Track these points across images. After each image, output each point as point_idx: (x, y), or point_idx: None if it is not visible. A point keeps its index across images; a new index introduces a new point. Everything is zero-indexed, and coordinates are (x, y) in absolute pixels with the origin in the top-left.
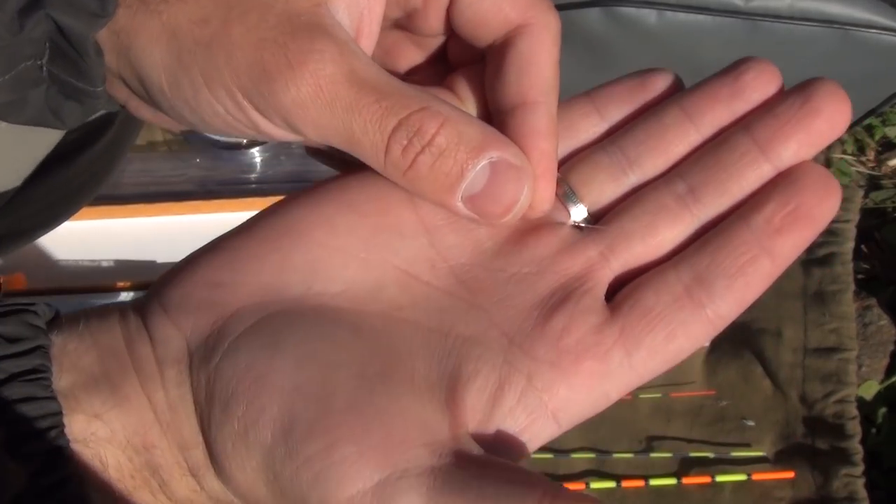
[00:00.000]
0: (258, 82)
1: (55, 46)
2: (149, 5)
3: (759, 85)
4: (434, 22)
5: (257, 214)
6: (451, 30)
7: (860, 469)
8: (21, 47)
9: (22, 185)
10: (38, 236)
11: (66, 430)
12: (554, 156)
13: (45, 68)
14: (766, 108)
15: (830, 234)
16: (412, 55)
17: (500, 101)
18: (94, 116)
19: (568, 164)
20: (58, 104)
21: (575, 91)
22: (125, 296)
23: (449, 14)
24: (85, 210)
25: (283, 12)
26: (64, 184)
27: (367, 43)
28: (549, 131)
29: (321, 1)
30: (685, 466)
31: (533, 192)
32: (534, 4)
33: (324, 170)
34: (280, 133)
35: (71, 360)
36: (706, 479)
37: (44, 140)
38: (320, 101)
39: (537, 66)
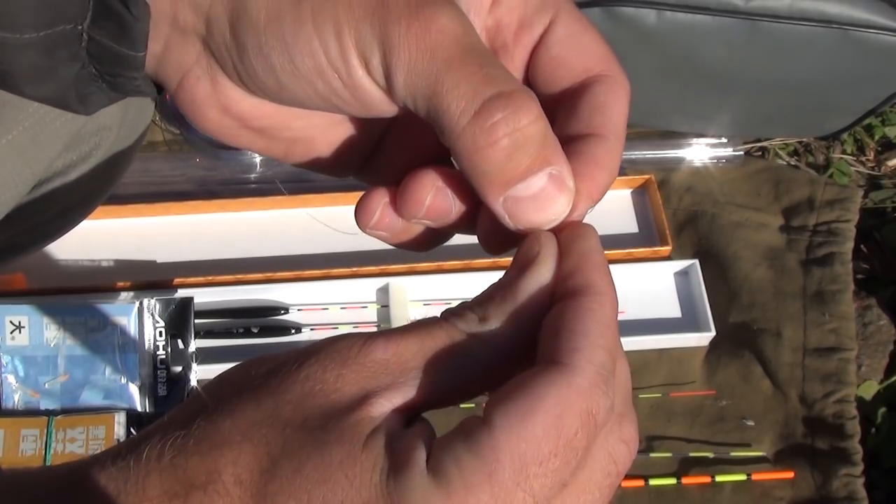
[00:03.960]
0: (373, 15)
1: (99, 4)
2: None
3: None
4: (518, 60)
5: None
6: (527, 70)
7: (860, 469)
8: (64, 7)
9: (22, 198)
10: (38, 249)
11: None
12: (604, 190)
13: (84, 34)
14: None
15: (830, 234)
16: None
17: (568, 131)
18: (95, 137)
19: None
20: (86, 87)
21: None
22: (125, 296)
23: (533, 54)
24: None
25: None
26: (63, 198)
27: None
28: (611, 166)
29: None
30: (685, 466)
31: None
32: (613, 60)
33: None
34: (363, 87)
35: None
36: (706, 479)
37: (43, 155)
38: (424, 44)
39: (612, 109)
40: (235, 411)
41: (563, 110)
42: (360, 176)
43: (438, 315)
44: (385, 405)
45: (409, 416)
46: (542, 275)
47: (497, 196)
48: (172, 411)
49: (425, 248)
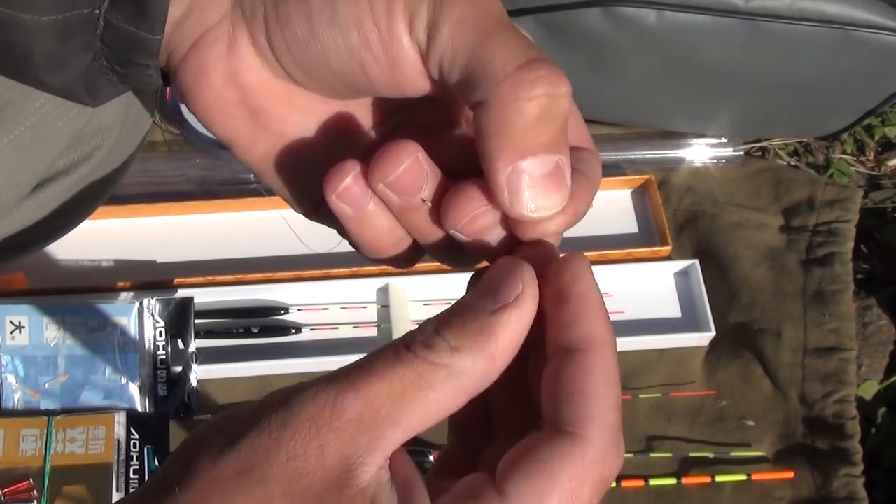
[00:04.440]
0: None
1: None
2: None
3: None
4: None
5: None
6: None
7: (860, 469)
8: None
9: (23, 198)
10: (39, 249)
11: None
12: (586, 209)
13: (101, 20)
14: None
15: (830, 234)
16: None
17: None
18: (96, 137)
19: None
20: (96, 79)
21: (575, 90)
22: (125, 296)
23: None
24: None
25: None
26: (64, 198)
27: None
28: (596, 183)
29: None
30: (685, 466)
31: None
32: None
33: None
34: (401, 43)
35: None
36: (706, 479)
37: (45, 155)
38: (477, 4)
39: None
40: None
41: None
42: (316, 214)
43: (403, 343)
44: (370, 469)
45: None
46: (523, 315)
47: (508, 162)
48: (134, 495)
49: (383, 253)
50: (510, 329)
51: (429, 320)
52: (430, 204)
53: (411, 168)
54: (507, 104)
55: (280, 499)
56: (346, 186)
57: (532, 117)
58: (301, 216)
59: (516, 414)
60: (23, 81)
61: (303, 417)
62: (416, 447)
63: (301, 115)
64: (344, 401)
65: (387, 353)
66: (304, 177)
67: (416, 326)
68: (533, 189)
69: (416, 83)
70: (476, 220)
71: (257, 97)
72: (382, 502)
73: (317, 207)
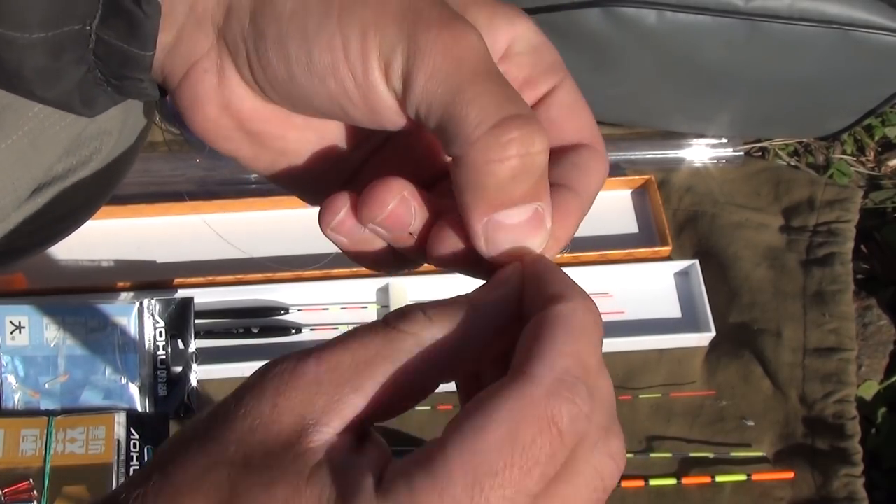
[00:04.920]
0: (402, 21)
1: (110, 1)
2: None
3: None
4: None
5: None
6: None
7: (860, 469)
8: (74, 5)
9: (21, 203)
10: (38, 253)
11: None
12: (568, 240)
13: (92, 35)
14: None
15: (830, 234)
16: None
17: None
18: (95, 142)
19: None
20: (91, 90)
21: None
22: (125, 296)
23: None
24: None
25: (438, 2)
26: (63, 202)
27: None
28: (578, 220)
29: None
30: (685, 466)
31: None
32: (600, 136)
33: None
34: (377, 91)
35: None
36: (706, 480)
37: (43, 160)
38: (452, 54)
39: (590, 173)
40: (186, 462)
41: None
42: None
43: (380, 319)
44: (325, 431)
45: (358, 432)
46: (504, 289)
47: (482, 215)
48: (138, 470)
49: (382, 268)
50: (487, 306)
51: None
52: (415, 236)
53: (398, 208)
54: (480, 165)
55: (231, 452)
56: (340, 220)
57: (505, 177)
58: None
59: None
60: (17, 94)
61: (263, 379)
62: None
63: (300, 131)
64: (305, 365)
65: (361, 327)
66: (312, 179)
67: None
68: (511, 234)
69: (397, 123)
70: (457, 256)
71: (253, 123)
72: (332, 467)
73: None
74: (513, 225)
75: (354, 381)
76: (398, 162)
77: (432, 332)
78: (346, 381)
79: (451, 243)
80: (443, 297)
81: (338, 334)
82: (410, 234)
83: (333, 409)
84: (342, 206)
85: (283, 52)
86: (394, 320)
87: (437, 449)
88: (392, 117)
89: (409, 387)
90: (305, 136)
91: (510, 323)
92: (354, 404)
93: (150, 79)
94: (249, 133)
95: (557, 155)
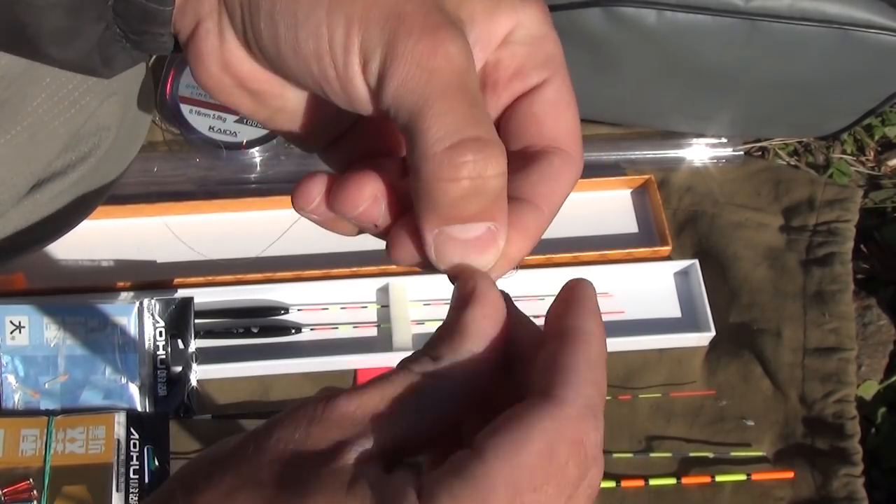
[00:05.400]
0: (386, 21)
1: None
2: None
3: None
4: (501, 101)
5: None
6: (503, 112)
7: (860, 469)
8: None
9: (20, 199)
10: (37, 250)
11: None
12: (522, 257)
13: None
14: None
15: (830, 234)
16: None
17: (511, 191)
18: (94, 138)
19: None
20: (110, 48)
21: (575, 90)
22: (125, 296)
23: (516, 102)
24: None
25: (430, 1)
26: (62, 198)
27: None
28: (536, 238)
29: (459, 21)
30: (685, 466)
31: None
32: (579, 141)
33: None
34: (354, 83)
35: None
36: (706, 479)
37: (42, 155)
38: (426, 65)
39: (558, 185)
40: (215, 483)
41: (514, 165)
42: (324, 155)
43: (395, 366)
44: (360, 452)
45: (388, 462)
46: (485, 304)
47: (433, 227)
48: (156, 494)
49: (355, 234)
50: (477, 321)
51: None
52: (381, 228)
53: (369, 209)
54: (433, 181)
55: (265, 472)
56: (313, 207)
57: (456, 197)
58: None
59: None
60: (34, 59)
61: (295, 414)
62: None
63: (298, 92)
64: (337, 401)
65: (382, 374)
66: (310, 133)
67: (415, 326)
68: (460, 249)
69: (371, 113)
70: (413, 260)
71: (252, 83)
72: (371, 481)
73: (325, 150)
74: (463, 240)
75: (384, 416)
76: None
77: (444, 367)
78: (376, 414)
79: (406, 250)
80: (445, 299)
81: (338, 334)
82: (376, 226)
83: (367, 436)
84: (316, 195)
85: (273, 30)
86: (409, 364)
87: (476, 460)
88: (367, 108)
89: (435, 419)
90: (304, 96)
91: (501, 358)
92: (385, 433)
93: (169, 32)
94: (249, 91)
95: (528, 160)
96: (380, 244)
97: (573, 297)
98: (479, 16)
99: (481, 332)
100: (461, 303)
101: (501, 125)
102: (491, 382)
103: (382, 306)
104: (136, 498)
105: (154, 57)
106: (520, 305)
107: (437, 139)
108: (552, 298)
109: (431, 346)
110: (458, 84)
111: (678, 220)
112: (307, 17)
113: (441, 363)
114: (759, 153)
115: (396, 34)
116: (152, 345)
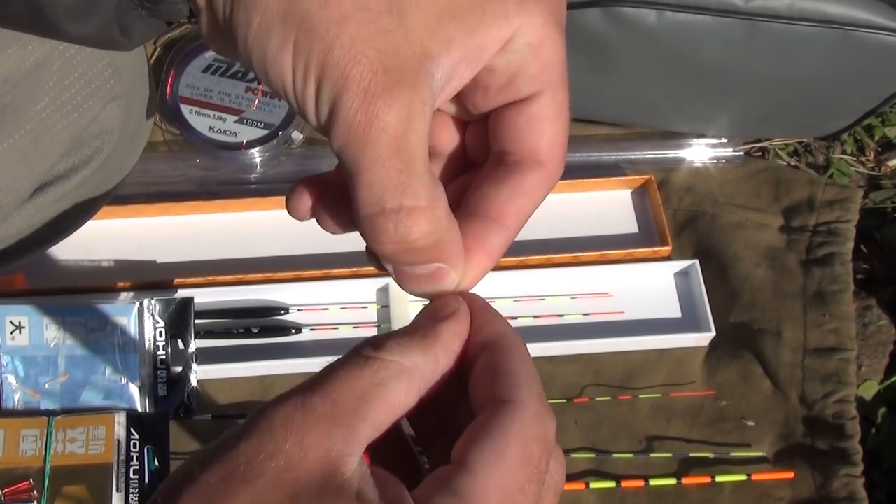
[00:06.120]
0: (335, 83)
1: None
2: None
3: None
4: (490, 104)
5: None
6: (488, 115)
7: (860, 469)
8: None
9: (23, 202)
10: (40, 252)
11: None
12: (484, 274)
13: None
14: None
15: (830, 234)
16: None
17: (476, 204)
18: (96, 141)
19: None
20: (127, 17)
21: (575, 90)
22: (125, 296)
23: (504, 108)
24: None
25: (392, 45)
26: (65, 201)
27: (445, 96)
28: (497, 256)
29: (428, 55)
30: (685, 466)
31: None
32: (560, 158)
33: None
34: (311, 119)
35: None
36: (706, 480)
37: (45, 159)
38: (361, 135)
39: (528, 202)
40: None
41: (489, 171)
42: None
43: (354, 350)
44: (353, 461)
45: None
46: (459, 326)
47: (388, 263)
48: None
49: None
50: (449, 334)
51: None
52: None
53: (318, 215)
54: (367, 236)
55: (270, 493)
56: (305, 215)
57: (387, 255)
58: None
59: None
60: (55, 37)
61: (276, 422)
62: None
63: None
64: (311, 401)
65: (343, 360)
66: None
67: None
68: (418, 282)
69: None
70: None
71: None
72: (367, 493)
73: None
74: (417, 276)
75: (360, 413)
76: None
77: (412, 359)
78: (353, 412)
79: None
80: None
81: (338, 334)
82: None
83: (352, 440)
84: (305, 211)
85: (246, 58)
86: (372, 351)
87: (466, 474)
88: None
89: (402, 410)
90: None
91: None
92: (366, 433)
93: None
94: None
95: (503, 171)
96: None
97: (477, 309)
98: (458, 38)
99: (451, 343)
100: (439, 315)
101: (489, 123)
102: (442, 387)
103: (382, 306)
104: (137, 498)
105: (154, 58)
106: (520, 305)
107: (363, 205)
108: (553, 298)
109: (404, 335)
110: (390, 152)
111: (678, 221)
112: (275, 57)
113: (409, 356)
114: (760, 153)
115: (340, 98)
116: (152, 345)
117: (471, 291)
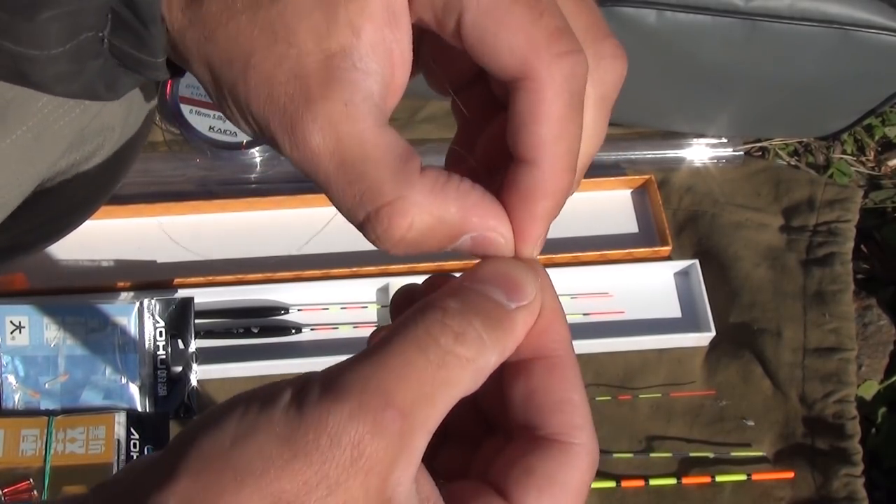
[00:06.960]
0: (265, 129)
1: (117, 17)
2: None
3: None
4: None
5: None
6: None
7: (860, 469)
8: (84, 17)
9: (24, 199)
10: (41, 249)
11: None
12: (549, 220)
13: (105, 40)
14: None
15: (830, 234)
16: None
17: (495, 149)
18: (98, 138)
19: None
20: (113, 77)
21: None
22: (125, 296)
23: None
24: None
25: (291, 70)
26: (66, 198)
27: (402, 71)
28: (552, 190)
29: (337, 51)
30: (685, 466)
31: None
32: (537, 53)
33: None
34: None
35: None
36: (706, 479)
37: (47, 156)
38: (305, 167)
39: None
40: None
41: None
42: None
43: (428, 334)
44: (407, 485)
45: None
46: (533, 317)
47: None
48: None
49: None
50: (523, 328)
51: (447, 299)
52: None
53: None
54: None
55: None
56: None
57: (404, 254)
58: None
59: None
60: (37, 91)
61: (344, 443)
62: None
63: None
64: (384, 419)
65: (410, 347)
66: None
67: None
68: (471, 250)
69: None
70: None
71: None
72: None
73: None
74: (465, 248)
75: (426, 425)
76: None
77: (487, 359)
78: (420, 425)
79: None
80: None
81: (338, 334)
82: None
83: (410, 461)
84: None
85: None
86: (451, 343)
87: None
88: None
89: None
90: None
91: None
92: (423, 446)
93: (164, 67)
94: None
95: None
96: None
97: (546, 303)
98: (354, 13)
99: (520, 339)
100: (518, 297)
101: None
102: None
103: (382, 306)
104: None
105: None
106: None
107: (352, 216)
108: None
109: (479, 319)
110: (334, 169)
111: (678, 220)
112: (227, 117)
113: (486, 355)
114: (760, 153)
115: (275, 140)
116: (152, 345)
117: (543, 268)
